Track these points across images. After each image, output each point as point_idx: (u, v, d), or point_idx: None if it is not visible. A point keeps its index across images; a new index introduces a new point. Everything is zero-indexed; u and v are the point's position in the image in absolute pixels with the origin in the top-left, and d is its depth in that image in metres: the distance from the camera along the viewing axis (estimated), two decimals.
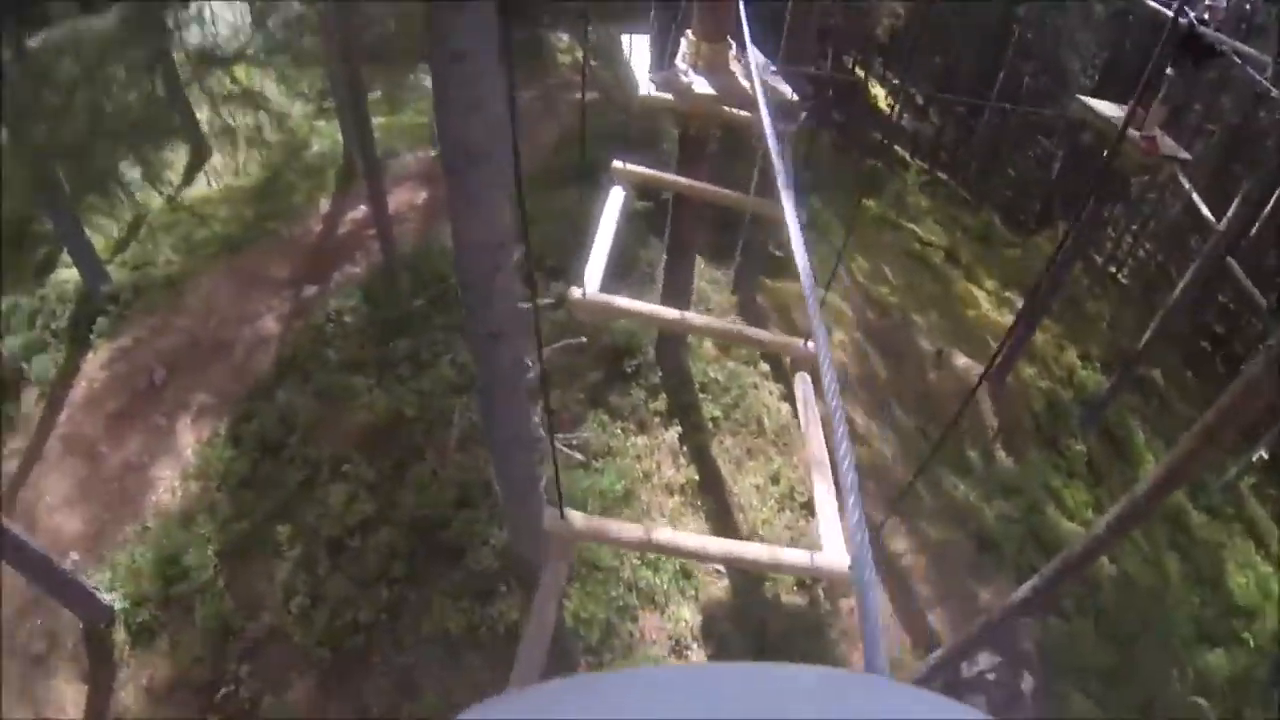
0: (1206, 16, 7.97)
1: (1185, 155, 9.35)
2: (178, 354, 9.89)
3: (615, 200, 4.14)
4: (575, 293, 3.49)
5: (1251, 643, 9.95)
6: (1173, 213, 18.97)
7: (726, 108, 5.71)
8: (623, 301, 4.00)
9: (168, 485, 8.67)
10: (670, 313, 4.66)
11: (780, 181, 2.38)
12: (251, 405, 9.03)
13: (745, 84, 5.73)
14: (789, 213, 2.17)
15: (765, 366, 9.67)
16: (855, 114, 19.37)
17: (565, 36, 16.64)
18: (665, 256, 8.36)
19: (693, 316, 5.43)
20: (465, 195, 4.27)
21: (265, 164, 10.57)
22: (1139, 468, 11.90)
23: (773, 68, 6.34)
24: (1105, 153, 9.55)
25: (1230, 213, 10.23)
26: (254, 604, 7.60)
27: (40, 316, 10.70)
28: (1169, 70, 8.58)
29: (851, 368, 10.75)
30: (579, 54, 15.68)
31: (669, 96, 5.56)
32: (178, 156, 11.91)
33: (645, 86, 5.60)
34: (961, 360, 11.82)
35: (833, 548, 2.98)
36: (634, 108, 5.71)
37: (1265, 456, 13.39)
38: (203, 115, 12.09)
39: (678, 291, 8.40)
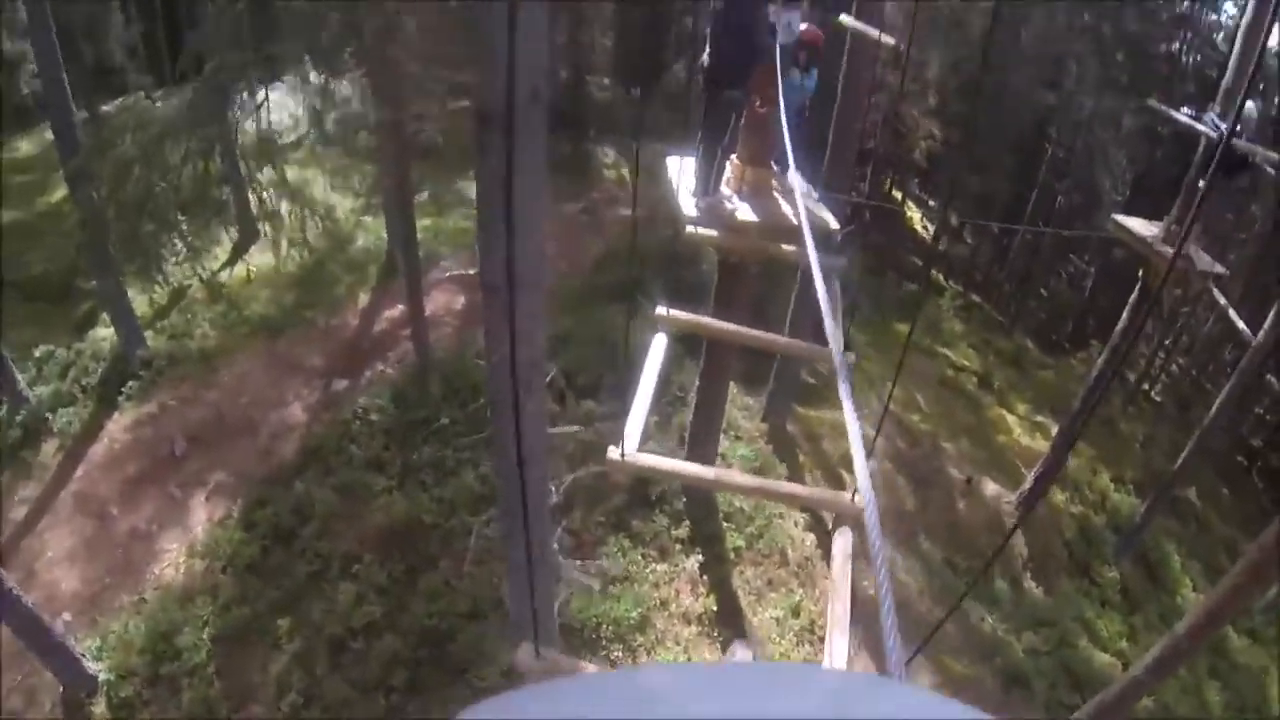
0: (1239, 127, 7.84)
1: (1220, 269, 9.11)
2: (202, 428, 9.90)
3: (657, 350, 4.00)
4: (613, 453, 3.35)
5: None
6: (1206, 327, 18.63)
7: (769, 243, 5.67)
8: (663, 463, 3.85)
9: (173, 559, 8.53)
10: (710, 472, 4.52)
11: (828, 328, 2.27)
12: (269, 491, 8.93)
13: (788, 210, 5.70)
14: (839, 366, 2.05)
15: None
16: (892, 237, 19.48)
17: (610, 152, 16.89)
18: (699, 381, 8.25)
19: (734, 475, 5.27)
20: (502, 314, 4.23)
21: (303, 262, 10.74)
22: (1176, 594, 11.35)
23: (815, 194, 6.33)
24: (1140, 272, 9.30)
25: (1267, 325, 9.83)
26: (244, 694, 7.34)
27: (73, 370, 10.79)
28: (1201, 184, 8.42)
29: (879, 498, 10.31)
30: (623, 169, 15.90)
31: (713, 233, 5.55)
32: (226, 235, 12.14)
33: (689, 208, 5.60)
34: (991, 489, 11.47)
35: None
36: (680, 235, 5.69)
37: None
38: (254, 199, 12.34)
39: (710, 420, 8.29)
